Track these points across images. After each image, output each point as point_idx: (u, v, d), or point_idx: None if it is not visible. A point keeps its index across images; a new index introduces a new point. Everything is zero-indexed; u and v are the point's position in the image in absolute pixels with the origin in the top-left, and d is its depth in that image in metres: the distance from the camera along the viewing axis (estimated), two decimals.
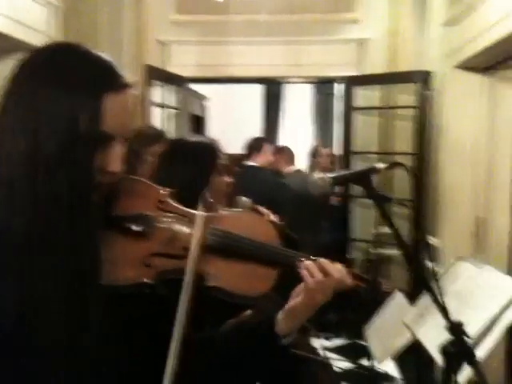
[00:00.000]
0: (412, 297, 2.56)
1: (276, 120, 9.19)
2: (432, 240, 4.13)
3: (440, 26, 4.38)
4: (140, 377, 1.04)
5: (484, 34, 3.43)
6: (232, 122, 8.80)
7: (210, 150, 1.87)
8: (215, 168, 1.85)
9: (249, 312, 1.39)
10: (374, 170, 1.52)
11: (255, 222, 1.19)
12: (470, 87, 4.03)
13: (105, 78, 0.94)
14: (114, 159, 0.96)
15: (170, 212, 1.10)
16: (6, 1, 3.49)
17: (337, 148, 6.25)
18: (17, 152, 0.89)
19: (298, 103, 9.27)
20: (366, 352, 2.61)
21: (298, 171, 4.98)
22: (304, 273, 1.12)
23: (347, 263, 1.21)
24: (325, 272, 1.12)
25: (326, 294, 1.12)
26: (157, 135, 2.67)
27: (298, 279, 1.16)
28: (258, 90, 8.90)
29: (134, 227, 1.03)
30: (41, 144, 0.89)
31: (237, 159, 6.11)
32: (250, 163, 4.39)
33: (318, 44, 5.14)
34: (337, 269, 1.14)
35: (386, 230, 4.65)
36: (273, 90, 8.98)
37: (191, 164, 1.82)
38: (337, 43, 5.15)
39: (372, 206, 4.69)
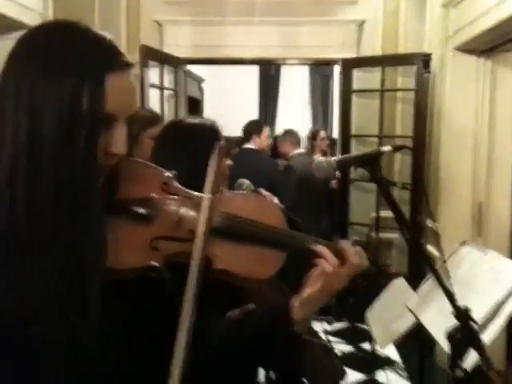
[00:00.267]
0: (412, 281, 2.55)
1: (273, 102, 9.13)
2: (432, 224, 4.12)
3: (439, 8, 4.33)
4: (140, 377, 1.03)
5: (484, 16, 3.39)
6: (228, 104, 8.74)
7: (211, 132, 1.83)
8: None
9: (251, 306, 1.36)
10: (380, 153, 1.49)
11: (262, 205, 1.17)
12: (470, 70, 4.00)
13: (106, 57, 0.91)
14: (118, 141, 0.94)
15: (176, 194, 1.08)
16: None
17: (336, 131, 6.22)
18: (18, 137, 0.86)
19: (296, 85, 9.21)
20: (367, 336, 2.60)
21: (303, 154, 4.93)
22: (319, 258, 1.09)
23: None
24: (341, 257, 1.09)
25: (343, 279, 1.10)
26: (154, 118, 2.64)
27: (301, 263, 1.13)
28: (254, 72, 8.84)
29: (140, 210, 1.01)
30: (42, 128, 0.86)
31: (234, 142, 6.08)
32: (248, 146, 4.35)
33: (315, 25, 5.06)
34: (352, 252, 1.11)
35: (386, 213, 4.63)
36: (270, 71, 8.92)
37: (192, 146, 1.78)
38: (335, 24, 5.07)
39: (371, 189, 4.66)
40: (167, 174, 1.10)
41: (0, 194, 0.86)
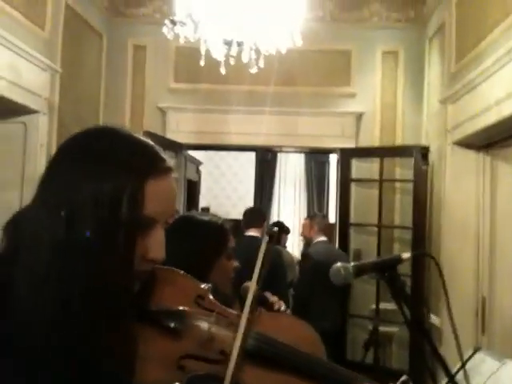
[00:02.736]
0: (414, 379, 2.45)
1: (269, 186, 9.19)
2: (434, 319, 4.02)
3: (437, 103, 4.44)
4: None
5: (484, 113, 3.44)
6: (224, 187, 8.80)
7: (219, 232, 1.80)
8: (224, 251, 1.78)
9: None
10: (399, 260, 1.45)
11: (301, 330, 1.09)
12: (469, 164, 4.04)
13: (147, 162, 0.90)
14: (156, 245, 0.91)
15: (209, 310, 1.00)
16: (8, 64, 3.49)
17: (332, 216, 6.21)
18: (53, 240, 0.83)
19: (292, 170, 9.33)
20: None
21: (322, 242, 4.80)
22: None
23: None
24: None
25: None
26: None
27: None
28: (251, 156, 8.94)
29: (170, 324, 0.94)
30: (79, 232, 0.83)
31: (232, 226, 6.04)
32: (251, 234, 4.30)
33: (315, 116, 5.19)
34: None
35: (386, 306, 4.49)
36: (266, 156, 9.04)
37: (200, 244, 1.75)
38: (334, 116, 5.20)
39: (371, 281, 4.50)
40: (203, 286, 1.04)
41: (35, 292, 0.82)
